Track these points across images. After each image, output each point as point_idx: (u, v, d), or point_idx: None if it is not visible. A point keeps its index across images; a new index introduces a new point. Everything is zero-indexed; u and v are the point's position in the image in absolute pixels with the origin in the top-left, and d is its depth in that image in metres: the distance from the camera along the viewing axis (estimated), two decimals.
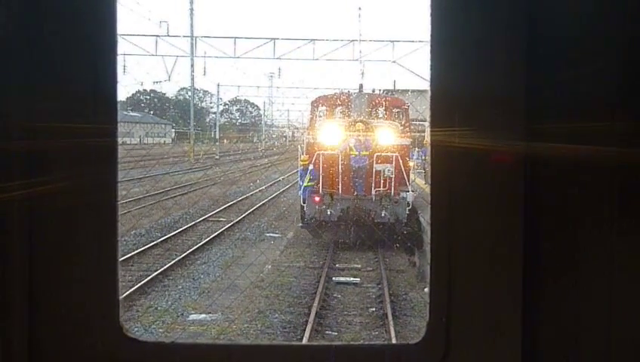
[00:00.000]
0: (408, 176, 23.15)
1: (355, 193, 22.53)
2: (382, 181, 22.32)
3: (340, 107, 25.97)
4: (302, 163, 23.27)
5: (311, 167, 22.45)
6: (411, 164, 23.93)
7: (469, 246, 2.30)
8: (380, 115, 26.00)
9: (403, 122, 25.90)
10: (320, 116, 26.05)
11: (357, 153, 22.66)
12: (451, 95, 2.27)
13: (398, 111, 26.43)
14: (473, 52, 2.26)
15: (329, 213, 22.19)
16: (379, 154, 22.61)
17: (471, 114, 2.25)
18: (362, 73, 24.87)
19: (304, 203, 22.60)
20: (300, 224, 23.57)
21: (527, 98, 2.24)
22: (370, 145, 22.74)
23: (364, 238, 22.26)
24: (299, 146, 27.34)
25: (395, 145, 23.17)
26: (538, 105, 2.24)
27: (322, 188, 22.41)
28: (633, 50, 2.14)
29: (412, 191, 22.90)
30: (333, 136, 23.29)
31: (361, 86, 27.48)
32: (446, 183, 2.30)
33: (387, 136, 23.32)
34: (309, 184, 22.42)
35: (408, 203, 22.19)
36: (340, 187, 22.56)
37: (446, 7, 2.27)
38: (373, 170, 22.40)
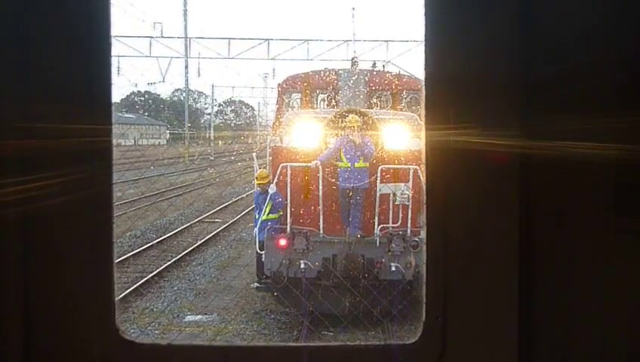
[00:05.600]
0: None
1: (347, 232, 13.58)
2: (391, 211, 13.52)
3: (324, 92, 16.70)
4: (258, 182, 14.36)
5: (273, 188, 13.71)
6: None
7: (465, 246, 2.30)
8: (385, 103, 16.72)
9: (419, 113, 14.94)
10: (292, 106, 17.07)
11: (349, 165, 13.72)
12: (446, 93, 2.27)
13: (412, 97, 16.57)
14: (468, 51, 2.26)
15: (303, 266, 13.14)
16: (385, 166, 13.70)
17: (466, 112, 2.26)
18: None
19: (261, 249, 13.61)
20: (256, 284, 14.70)
21: (523, 96, 2.24)
22: (370, 152, 13.76)
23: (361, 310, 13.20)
24: (254, 155, 17.83)
25: (412, 152, 13.80)
26: (533, 104, 2.24)
27: (292, 224, 13.50)
28: (629, 48, 2.15)
29: None
30: (310, 137, 14.18)
31: (354, 60, 17.19)
32: (441, 182, 2.30)
33: (398, 135, 14.24)
34: (270, 217, 13.81)
35: None
36: (321, 222, 13.57)
37: (440, 6, 2.27)
38: (377, 192, 13.58)
